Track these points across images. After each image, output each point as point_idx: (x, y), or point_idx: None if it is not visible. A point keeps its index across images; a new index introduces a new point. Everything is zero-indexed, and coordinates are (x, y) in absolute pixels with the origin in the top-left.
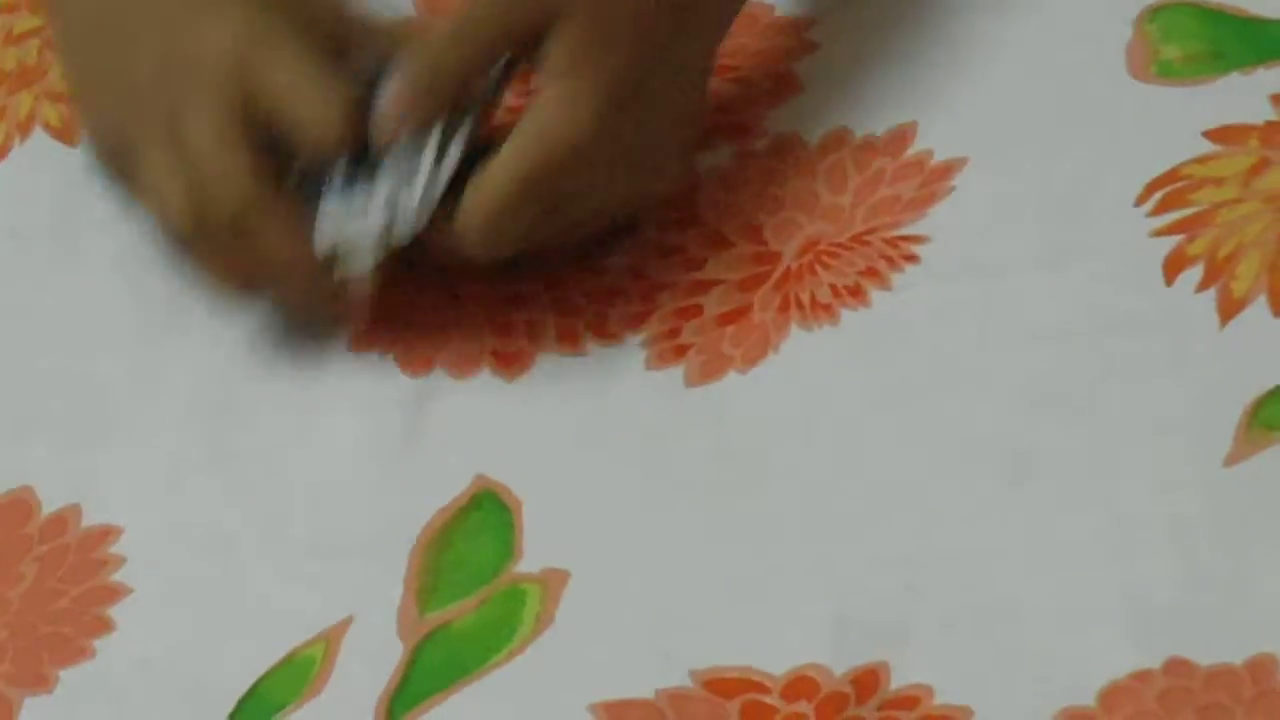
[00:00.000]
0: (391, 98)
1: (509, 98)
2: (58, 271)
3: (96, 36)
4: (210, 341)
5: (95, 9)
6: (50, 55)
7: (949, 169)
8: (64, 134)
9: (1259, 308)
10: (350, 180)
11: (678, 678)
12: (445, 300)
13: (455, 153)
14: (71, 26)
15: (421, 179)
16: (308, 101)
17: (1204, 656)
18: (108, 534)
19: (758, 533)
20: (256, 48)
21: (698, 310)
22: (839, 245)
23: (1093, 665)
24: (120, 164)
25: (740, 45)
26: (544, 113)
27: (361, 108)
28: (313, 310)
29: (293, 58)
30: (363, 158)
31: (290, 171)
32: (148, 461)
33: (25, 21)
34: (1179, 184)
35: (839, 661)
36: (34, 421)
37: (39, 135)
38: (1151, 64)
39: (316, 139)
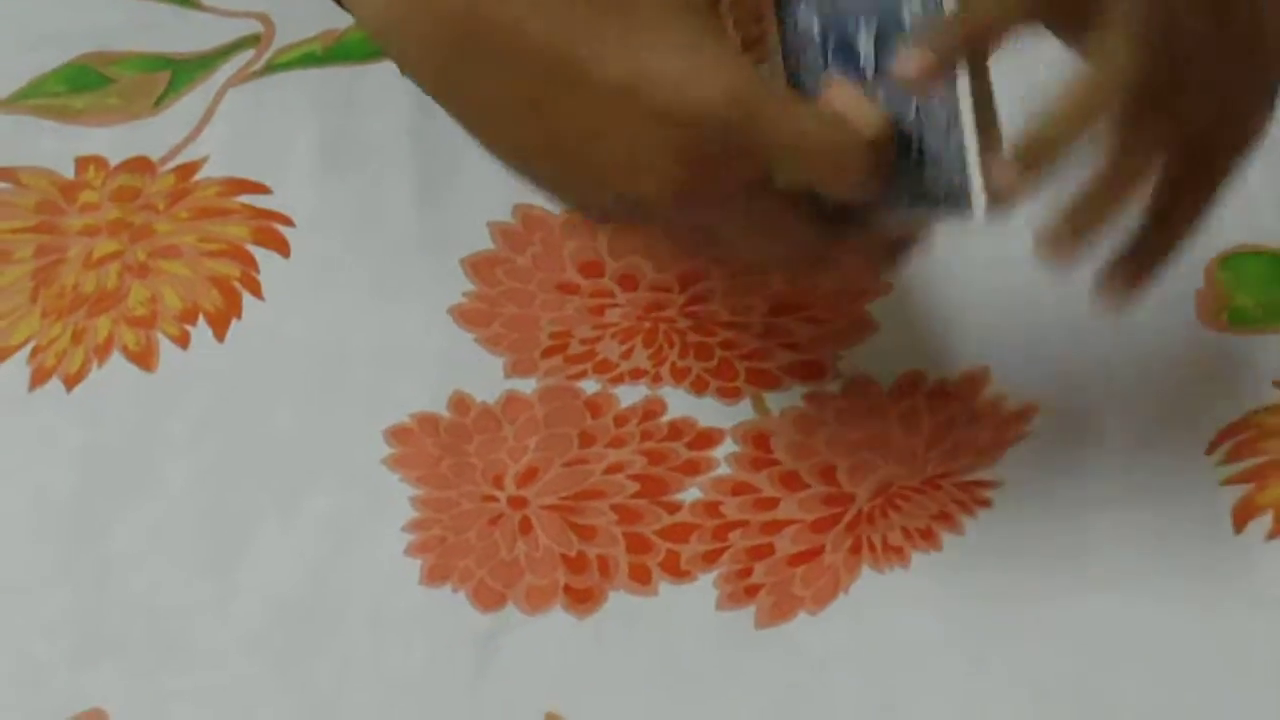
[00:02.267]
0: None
1: None
2: (131, 495)
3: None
4: (282, 568)
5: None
6: (129, 279)
7: (1022, 415)
8: (141, 359)
9: None
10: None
11: None
12: (519, 534)
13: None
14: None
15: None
16: (821, 151)
17: None
18: None
19: None
20: (743, 104)
21: (769, 550)
22: (912, 488)
23: None
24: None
25: (814, 285)
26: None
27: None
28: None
29: (782, 105)
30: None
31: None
32: (219, 689)
33: (105, 245)
34: (1249, 432)
35: None
36: (106, 645)
37: (117, 359)
38: (1223, 311)
39: (846, 189)
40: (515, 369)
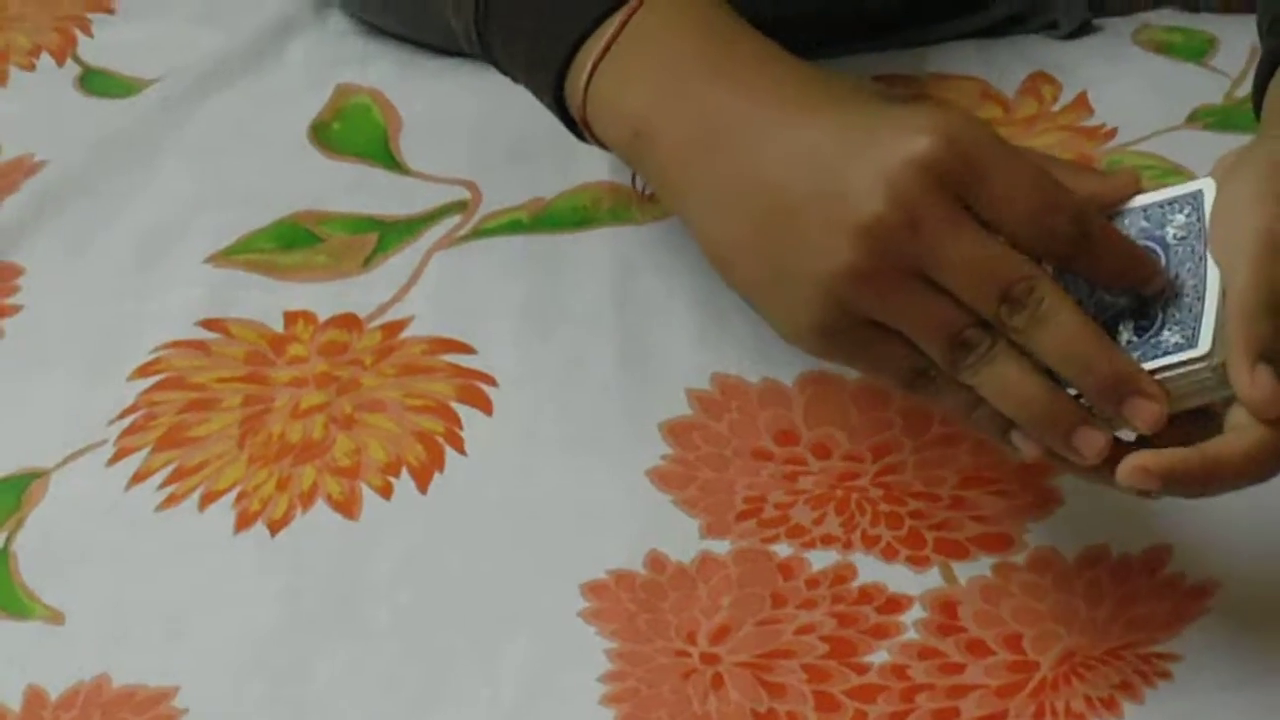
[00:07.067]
0: None
1: None
2: (331, 637)
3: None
4: (477, 713)
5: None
6: (335, 431)
7: (1203, 591)
8: (345, 507)
9: None
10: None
11: None
12: (711, 689)
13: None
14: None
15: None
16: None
17: None
18: None
19: None
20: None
21: (954, 713)
22: (1094, 658)
23: None
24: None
25: (1001, 459)
26: None
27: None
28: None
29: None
30: None
31: None
32: None
33: (312, 397)
34: None
35: None
36: None
37: (320, 507)
38: None
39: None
40: (710, 531)
